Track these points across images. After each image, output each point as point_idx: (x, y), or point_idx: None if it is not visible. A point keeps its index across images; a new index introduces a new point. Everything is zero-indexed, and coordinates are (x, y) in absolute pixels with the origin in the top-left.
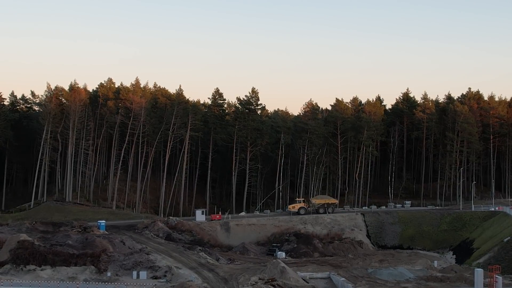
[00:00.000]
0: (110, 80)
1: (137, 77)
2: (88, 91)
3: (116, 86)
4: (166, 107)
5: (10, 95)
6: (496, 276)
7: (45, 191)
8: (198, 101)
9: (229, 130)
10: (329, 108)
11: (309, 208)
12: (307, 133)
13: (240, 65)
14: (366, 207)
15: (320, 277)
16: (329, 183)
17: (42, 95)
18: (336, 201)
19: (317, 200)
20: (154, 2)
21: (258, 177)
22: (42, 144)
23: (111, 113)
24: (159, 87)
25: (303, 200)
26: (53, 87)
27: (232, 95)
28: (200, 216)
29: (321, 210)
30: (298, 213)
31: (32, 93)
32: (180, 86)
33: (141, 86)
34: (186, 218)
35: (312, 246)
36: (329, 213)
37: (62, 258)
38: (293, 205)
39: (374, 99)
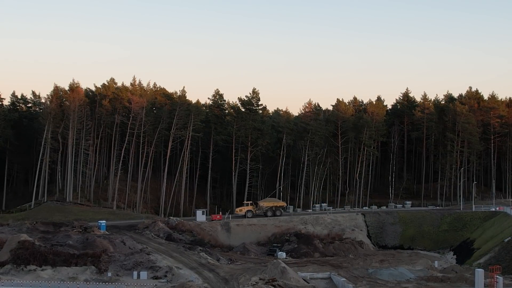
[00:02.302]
0: (112, 79)
1: (134, 76)
2: (87, 91)
3: (116, 86)
4: (165, 106)
5: (11, 95)
6: (497, 276)
7: (46, 191)
8: (199, 102)
9: (229, 131)
10: (330, 108)
11: (256, 211)
12: (308, 133)
13: (240, 65)
14: (367, 207)
15: (320, 277)
16: (329, 183)
17: (47, 95)
18: (284, 204)
19: (265, 203)
20: (154, 2)
21: (258, 177)
22: (42, 144)
23: (107, 113)
24: (159, 87)
25: (250, 203)
26: (54, 87)
27: (232, 95)
28: (200, 216)
29: (269, 213)
30: (245, 216)
31: (33, 93)
32: (183, 87)
33: (141, 85)
34: (187, 218)
35: (313, 246)
36: (277, 215)
37: (62, 258)
38: (240, 208)
39: (375, 99)
